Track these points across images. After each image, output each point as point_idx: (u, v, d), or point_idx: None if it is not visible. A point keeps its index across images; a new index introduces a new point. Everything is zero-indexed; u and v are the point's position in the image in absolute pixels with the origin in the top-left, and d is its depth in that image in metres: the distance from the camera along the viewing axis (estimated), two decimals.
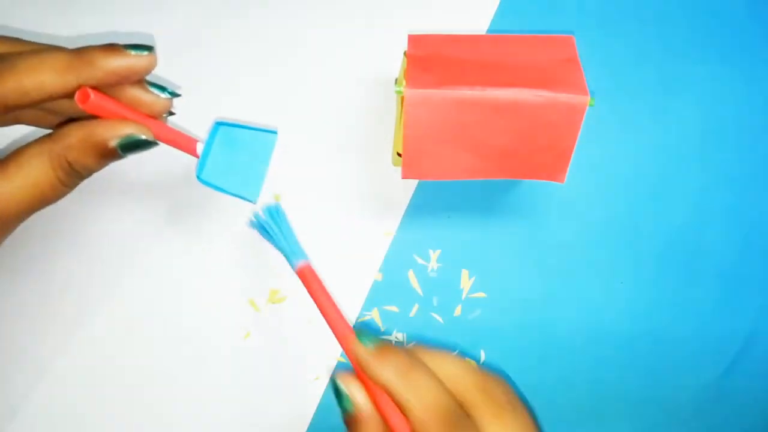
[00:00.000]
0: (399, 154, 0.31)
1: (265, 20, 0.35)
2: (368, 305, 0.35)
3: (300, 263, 0.27)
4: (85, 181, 0.25)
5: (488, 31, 0.36)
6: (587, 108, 0.26)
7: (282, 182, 0.35)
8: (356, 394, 0.24)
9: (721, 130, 0.37)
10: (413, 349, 0.26)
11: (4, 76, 0.21)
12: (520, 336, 0.35)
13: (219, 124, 0.27)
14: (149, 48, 0.23)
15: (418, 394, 0.23)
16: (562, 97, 0.26)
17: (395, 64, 0.35)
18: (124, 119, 0.24)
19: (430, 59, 0.28)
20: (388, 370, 0.23)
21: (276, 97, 0.35)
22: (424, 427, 0.22)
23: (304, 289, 0.27)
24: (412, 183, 0.35)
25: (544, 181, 0.29)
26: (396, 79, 0.34)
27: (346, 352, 0.25)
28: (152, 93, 0.25)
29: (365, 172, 0.35)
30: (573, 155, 0.28)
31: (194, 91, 0.35)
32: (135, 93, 0.25)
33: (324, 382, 0.34)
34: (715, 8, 0.37)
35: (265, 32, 0.35)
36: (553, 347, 0.35)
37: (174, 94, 0.26)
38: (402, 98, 0.27)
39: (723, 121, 0.37)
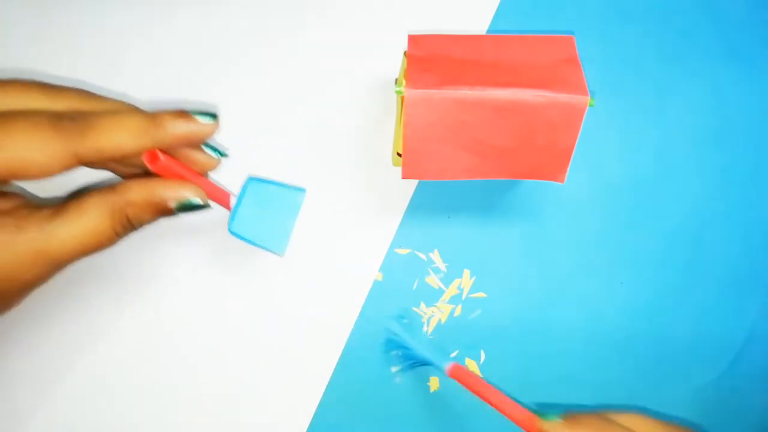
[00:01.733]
0: (399, 154, 0.31)
1: (264, 20, 0.35)
2: (368, 305, 0.35)
3: (449, 366, 0.29)
4: None
5: (488, 31, 0.36)
6: (587, 108, 0.26)
7: (282, 182, 0.35)
8: None
9: (721, 129, 0.37)
10: (600, 413, 0.25)
11: (86, 134, 0.22)
12: (520, 336, 0.35)
13: (251, 180, 0.29)
14: (214, 116, 0.26)
15: None
16: (562, 97, 0.26)
17: (395, 64, 0.35)
18: (183, 181, 0.26)
19: (430, 59, 0.28)
20: None
21: (276, 97, 0.35)
22: None
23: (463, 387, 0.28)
24: (412, 183, 0.35)
25: (544, 181, 0.29)
26: (396, 79, 0.34)
27: None
28: (207, 154, 0.27)
29: (365, 172, 0.35)
30: (573, 155, 0.28)
31: (194, 91, 0.35)
32: (191, 153, 0.27)
33: (324, 382, 0.34)
34: (714, 9, 0.37)
35: (264, 32, 0.35)
36: (553, 347, 0.35)
37: (224, 155, 0.28)
38: (402, 98, 0.27)
39: (723, 120, 0.37)
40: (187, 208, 0.26)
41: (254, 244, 0.29)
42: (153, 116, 0.24)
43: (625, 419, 0.25)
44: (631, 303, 0.36)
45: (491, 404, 0.27)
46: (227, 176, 0.34)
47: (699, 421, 0.36)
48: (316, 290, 0.34)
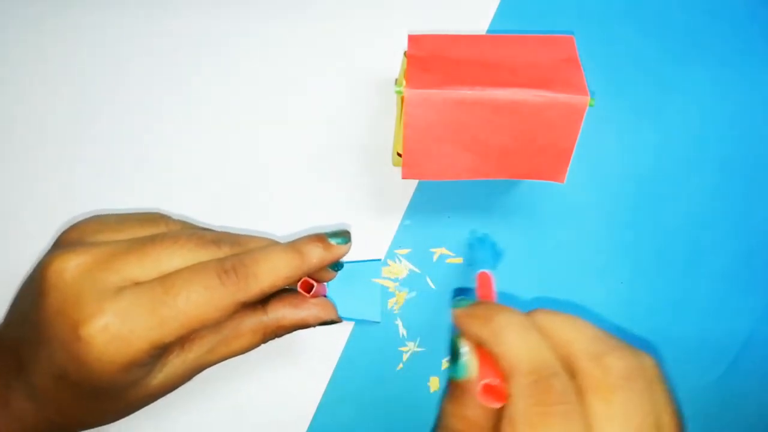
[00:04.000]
0: (399, 154, 0.31)
1: (264, 20, 0.35)
2: None
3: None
4: None
5: (488, 31, 0.36)
6: (587, 108, 0.26)
7: (282, 182, 0.35)
8: (472, 362, 0.23)
9: (721, 129, 0.37)
10: (530, 312, 0.24)
11: (249, 283, 0.25)
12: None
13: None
14: (348, 238, 0.28)
15: (509, 346, 0.21)
16: (562, 97, 0.26)
17: (395, 64, 0.35)
18: (323, 303, 0.29)
19: (430, 59, 0.28)
20: (474, 322, 0.23)
21: (276, 97, 0.35)
22: (512, 380, 0.21)
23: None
24: (412, 183, 0.35)
25: (544, 181, 0.29)
26: (396, 79, 0.34)
27: None
28: (329, 272, 0.30)
29: (365, 172, 0.35)
30: (573, 155, 0.28)
31: (193, 91, 0.35)
32: (319, 272, 0.29)
33: (325, 382, 0.34)
34: (714, 9, 0.37)
35: (264, 32, 0.35)
36: None
37: (342, 267, 0.31)
38: (402, 98, 0.27)
39: (723, 120, 0.37)
40: (323, 324, 0.30)
41: (352, 319, 0.33)
42: (296, 248, 0.27)
43: (551, 319, 0.23)
44: (631, 303, 0.36)
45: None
46: (231, 174, 0.35)
47: (699, 421, 0.36)
48: None
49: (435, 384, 0.35)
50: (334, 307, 0.30)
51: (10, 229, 0.33)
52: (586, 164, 0.36)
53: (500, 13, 0.36)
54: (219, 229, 0.29)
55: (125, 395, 0.25)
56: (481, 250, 0.34)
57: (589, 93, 0.26)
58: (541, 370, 0.20)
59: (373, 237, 0.35)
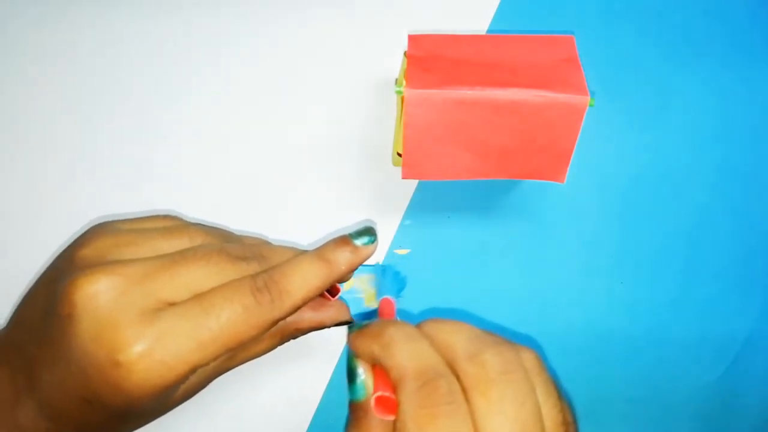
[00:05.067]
0: (399, 154, 0.31)
1: (265, 20, 0.35)
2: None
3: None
4: None
5: (488, 31, 0.36)
6: (587, 108, 0.26)
7: (282, 182, 0.35)
8: (369, 381, 0.24)
9: (721, 129, 0.37)
10: (423, 322, 0.25)
11: (283, 300, 0.24)
12: (519, 335, 0.35)
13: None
14: (374, 235, 0.27)
15: (397, 356, 0.22)
16: (562, 97, 0.26)
17: (395, 64, 0.35)
18: (339, 304, 0.29)
19: (430, 59, 0.28)
20: (365, 340, 0.23)
21: (276, 97, 0.35)
22: (401, 387, 0.21)
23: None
24: (412, 183, 0.35)
25: (544, 181, 0.29)
26: (396, 79, 0.34)
27: None
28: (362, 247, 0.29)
29: (365, 172, 0.35)
30: (573, 155, 0.28)
31: (193, 91, 0.35)
32: (354, 254, 0.28)
33: (325, 382, 0.34)
34: (714, 9, 0.37)
35: (265, 32, 0.35)
36: (553, 347, 0.35)
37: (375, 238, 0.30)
38: (402, 98, 0.27)
39: (723, 120, 0.37)
40: (339, 324, 0.29)
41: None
42: (323, 257, 0.26)
43: (433, 326, 0.23)
44: (631, 303, 0.36)
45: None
46: (232, 174, 0.35)
47: (699, 421, 0.36)
48: None
49: None
50: (347, 308, 0.30)
51: (10, 231, 0.33)
52: (586, 164, 0.36)
53: (500, 13, 0.36)
54: (224, 229, 0.29)
55: (153, 413, 0.25)
56: (384, 279, 0.34)
57: (589, 93, 0.26)
58: (426, 374, 0.21)
59: None
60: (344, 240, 0.27)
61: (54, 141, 0.34)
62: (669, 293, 0.36)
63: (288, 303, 0.25)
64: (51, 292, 0.23)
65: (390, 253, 0.35)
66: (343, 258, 0.26)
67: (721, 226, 0.36)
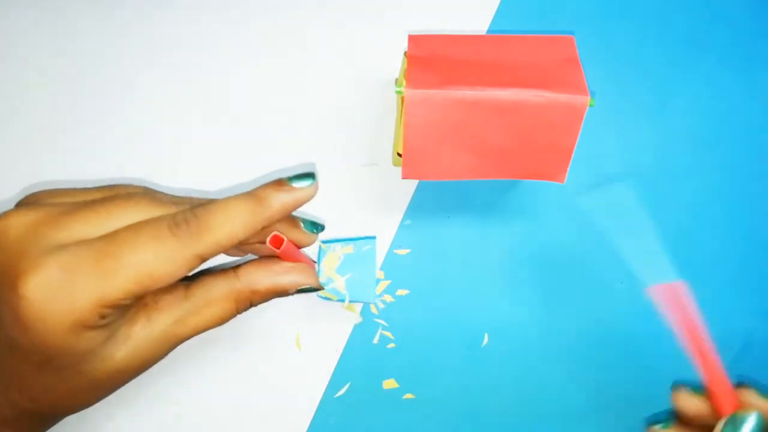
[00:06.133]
0: (399, 154, 0.31)
1: (265, 20, 0.35)
2: (368, 305, 0.35)
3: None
4: None
5: (488, 31, 0.36)
6: (587, 108, 0.26)
7: None
8: None
9: (721, 129, 0.37)
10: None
11: (203, 235, 0.23)
12: (519, 335, 0.35)
13: (322, 244, 0.31)
14: (311, 176, 0.26)
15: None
16: (562, 97, 0.26)
17: (395, 64, 0.35)
18: (301, 267, 0.28)
19: (430, 59, 0.28)
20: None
21: (276, 97, 0.35)
22: None
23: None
24: (412, 183, 0.35)
25: (544, 181, 0.29)
26: (396, 79, 0.34)
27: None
28: (306, 233, 0.29)
29: (365, 172, 0.35)
30: (573, 155, 0.28)
31: (194, 91, 0.35)
32: (296, 235, 0.28)
33: (325, 381, 0.34)
34: (714, 9, 0.37)
35: (265, 32, 0.35)
36: (553, 347, 0.35)
37: (321, 231, 0.30)
38: (402, 98, 0.27)
39: (723, 120, 0.37)
40: (303, 291, 0.28)
41: (345, 300, 0.31)
42: (255, 196, 0.25)
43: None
44: (631, 303, 0.36)
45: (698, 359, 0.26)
46: (232, 174, 0.35)
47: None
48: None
49: None
50: (314, 272, 0.28)
51: None
52: (586, 164, 0.36)
53: (500, 13, 0.36)
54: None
55: (86, 368, 0.23)
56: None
57: (589, 93, 0.26)
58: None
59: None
60: (279, 180, 0.26)
61: (54, 141, 0.34)
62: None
63: (208, 237, 0.23)
64: None
65: (390, 253, 0.35)
66: (275, 196, 0.25)
67: (721, 226, 0.36)
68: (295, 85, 0.35)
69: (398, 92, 0.27)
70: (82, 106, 0.34)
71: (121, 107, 0.34)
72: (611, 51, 0.37)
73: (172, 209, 0.24)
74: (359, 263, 0.32)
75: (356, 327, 0.35)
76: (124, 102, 0.34)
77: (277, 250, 0.26)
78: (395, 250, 0.35)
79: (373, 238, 0.33)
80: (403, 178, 0.29)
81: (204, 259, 0.23)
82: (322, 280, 0.29)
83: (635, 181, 0.36)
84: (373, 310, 0.35)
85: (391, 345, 0.35)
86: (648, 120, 0.36)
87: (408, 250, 0.35)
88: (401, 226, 0.35)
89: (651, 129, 0.36)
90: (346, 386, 0.35)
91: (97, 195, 0.25)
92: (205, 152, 0.34)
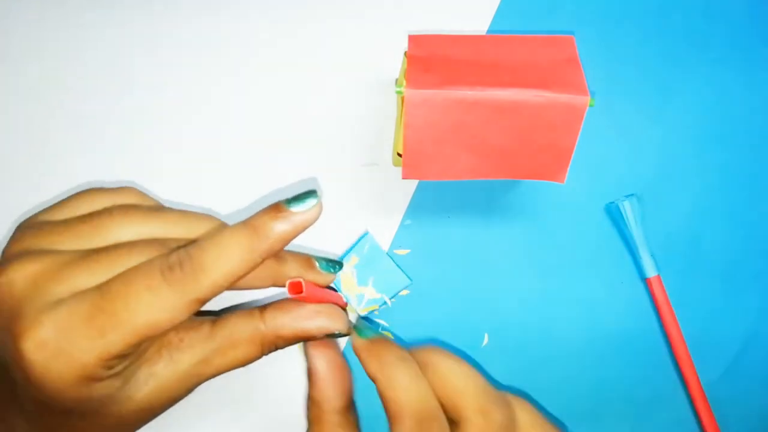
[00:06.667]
0: (399, 154, 0.31)
1: (264, 20, 0.35)
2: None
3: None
4: None
5: (488, 31, 0.36)
6: (587, 108, 0.26)
7: (283, 182, 0.35)
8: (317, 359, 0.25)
9: (721, 129, 0.37)
10: (424, 349, 0.24)
11: (199, 278, 0.22)
12: (520, 336, 0.35)
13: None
14: (313, 195, 0.24)
15: (399, 392, 0.22)
16: (562, 97, 0.26)
17: (395, 64, 0.35)
18: (328, 311, 0.26)
19: (430, 59, 0.28)
20: (373, 363, 0.24)
21: (276, 97, 0.35)
22: (397, 422, 0.22)
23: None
24: (412, 183, 0.35)
25: (544, 181, 0.29)
26: (396, 80, 0.34)
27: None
28: (325, 274, 0.28)
29: (365, 172, 0.35)
30: (573, 155, 0.28)
31: (194, 91, 0.35)
32: (313, 276, 0.27)
33: None
34: (714, 9, 0.37)
35: (264, 32, 0.35)
36: (553, 347, 0.35)
37: (340, 268, 0.29)
38: (402, 98, 0.27)
39: (724, 120, 0.37)
40: (330, 336, 0.26)
41: (385, 303, 0.32)
42: (250, 226, 0.23)
43: (443, 365, 0.23)
44: (632, 303, 0.36)
45: None
46: (231, 174, 0.35)
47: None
48: None
49: None
50: (342, 314, 0.26)
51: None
52: (586, 164, 0.36)
53: (500, 13, 0.36)
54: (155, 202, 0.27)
55: (112, 410, 0.23)
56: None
57: (589, 93, 0.26)
58: (423, 414, 0.22)
59: None
60: (276, 206, 0.23)
61: (54, 141, 0.34)
62: (669, 293, 0.36)
63: (204, 279, 0.22)
64: None
65: (390, 253, 0.35)
66: (272, 225, 0.23)
67: (721, 226, 0.36)
68: (294, 85, 0.35)
69: (398, 92, 0.27)
70: (82, 105, 0.34)
71: (120, 107, 0.34)
72: (611, 51, 0.37)
73: (171, 244, 0.23)
74: (371, 263, 0.33)
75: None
76: (123, 102, 0.34)
77: (298, 296, 0.25)
78: (395, 250, 0.35)
79: (366, 234, 0.33)
80: (403, 178, 0.29)
81: (204, 302, 0.22)
82: (353, 302, 0.31)
83: (635, 181, 0.36)
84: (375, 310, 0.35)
85: None
86: (648, 120, 0.36)
87: (408, 250, 0.35)
88: (401, 226, 0.35)
89: (651, 129, 0.36)
90: None
91: (85, 209, 0.25)
92: (204, 152, 0.34)
